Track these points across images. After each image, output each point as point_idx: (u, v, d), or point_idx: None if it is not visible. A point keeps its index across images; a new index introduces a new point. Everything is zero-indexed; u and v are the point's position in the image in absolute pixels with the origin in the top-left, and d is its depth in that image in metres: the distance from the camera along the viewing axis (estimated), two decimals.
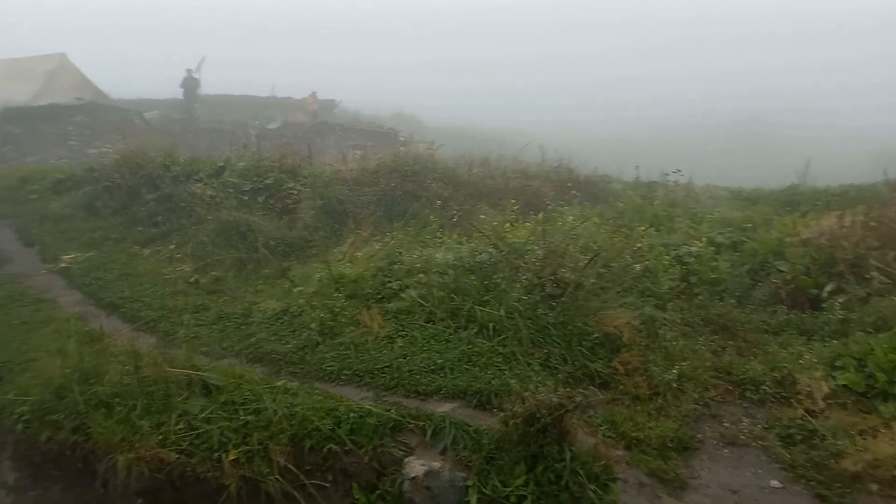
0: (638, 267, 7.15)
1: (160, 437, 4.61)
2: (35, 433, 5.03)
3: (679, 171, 12.55)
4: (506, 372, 5.43)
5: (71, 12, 63.94)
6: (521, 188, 12.35)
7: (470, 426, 4.58)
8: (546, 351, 5.73)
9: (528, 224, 8.53)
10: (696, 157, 23.17)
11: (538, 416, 4.02)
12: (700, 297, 7.17)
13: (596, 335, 5.95)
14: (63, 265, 9.20)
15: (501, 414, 4.39)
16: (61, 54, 24.05)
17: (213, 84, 28.17)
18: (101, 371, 5.20)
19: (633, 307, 6.34)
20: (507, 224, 8.63)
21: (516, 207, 9.82)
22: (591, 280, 6.48)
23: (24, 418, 5.12)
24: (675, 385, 5.44)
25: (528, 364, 5.53)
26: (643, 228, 8.46)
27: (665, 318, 6.45)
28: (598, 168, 15.06)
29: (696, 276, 7.54)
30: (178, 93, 26.17)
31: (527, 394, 4.22)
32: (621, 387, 5.46)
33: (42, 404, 5.09)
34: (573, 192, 12.27)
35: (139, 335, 6.62)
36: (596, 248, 7.17)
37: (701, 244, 8.14)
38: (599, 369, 5.63)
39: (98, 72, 25.47)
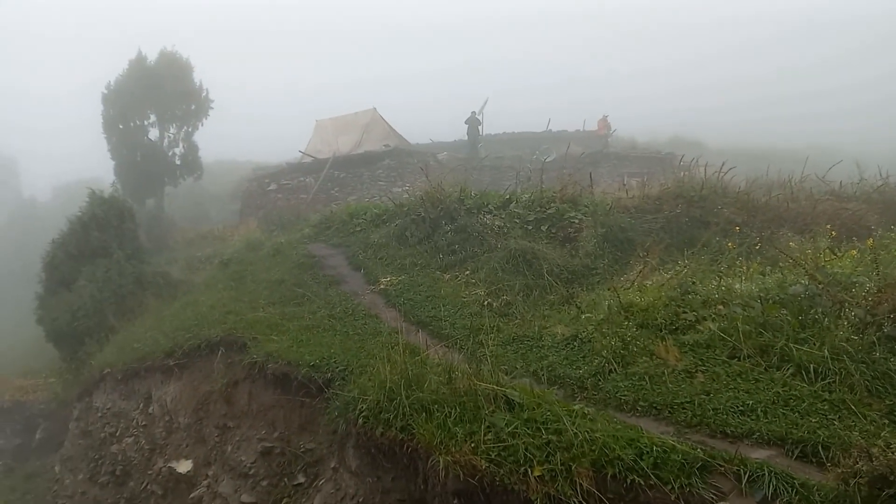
0: None
1: (472, 445, 5.04)
2: (372, 428, 5.91)
3: None
4: (835, 422, 4.76)
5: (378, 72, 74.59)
6: (834, 212, 10.82)
7: (795, 478, 4.10)
8: (889, 402, 4.87)
9: (851, 252, 7.41)
10: None
11: (892, 478, 3.43)
12: None
13: None
14: (382, 286, 10.73)
15: (838, 470, 3.85)
16: (372, 109, 28.27)
17: (493, 123, 30.47)
18: (421, 380, 5.91)
19: None
20: (824, 252, 7.62)
21: (832, 234, 8.61)
22: None
23: (363, 414, 6.06)
24: None
25: (865, 416, 4.76)
26: None
27: None
28: None
29: None
30: (464, 133, 28.79)
31: (874, 450, 3.64)
32: None
33: (377, 403, 5.97)
34: None
35: (447, 351, 7.39)
36: None
37: None
38: None
39: (400, 120, 29.30)
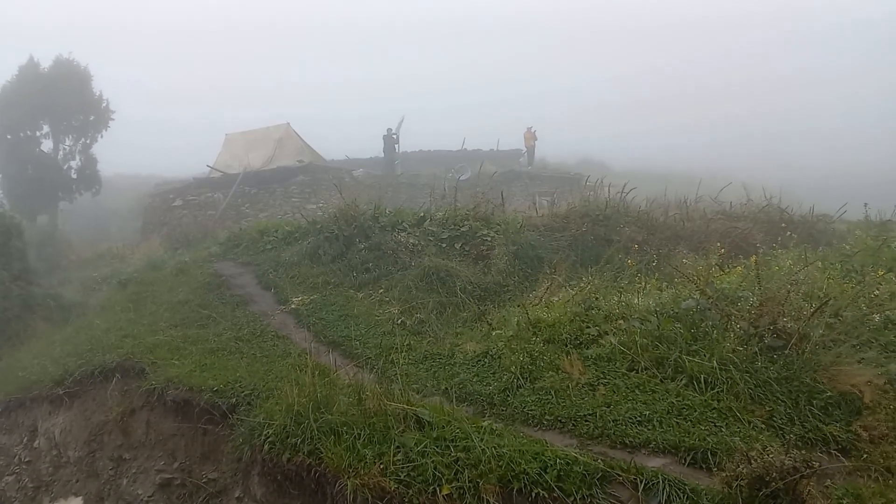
0: (877, 318, 6.29)
1: (381, 466, 4.99)
2: (278, 453, 5.74)
3: None
4: (722, 429, 5.07)
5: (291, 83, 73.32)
6: (725, 230, 11.61)
7: (686, 484, 4.33)
8: (769, 408, 5.24)
9: (738, 269, 7.97)
10: None
11: (768, 479, 3.69)
12: None
13: (829, 394, 5.32)
14: (293, 306, 10.48)
15: (723, 474, 4.10)
16: (286, 124, 27.70)
17: (409, 143, 30.70)
18: (331, 401, 5.81)
19: (875, 363, 5.57)
20: (713, 269, 8.14)
21: (722, 251, 9.22)
22: (820, 331, 5.84)
23: (269, 440, 5.87)
24: None
25: (749, 422, 5.10)
26: (881, 273, 7.45)
27: None
28: (814, 207, 13.66)
29: None
30: (380, 151, 28.80)
31: (752, 454, 3.90)
32: (865, 455, 4.78)
33: (283, 428, 5.80)
34: (788, 233, 11.21)
35: (357, 371, 7.30)
36: (822, 295, 6.47)
37: None
38: (836, 433, 5.00)
39: (314, 135, 28.88)
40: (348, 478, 4.98)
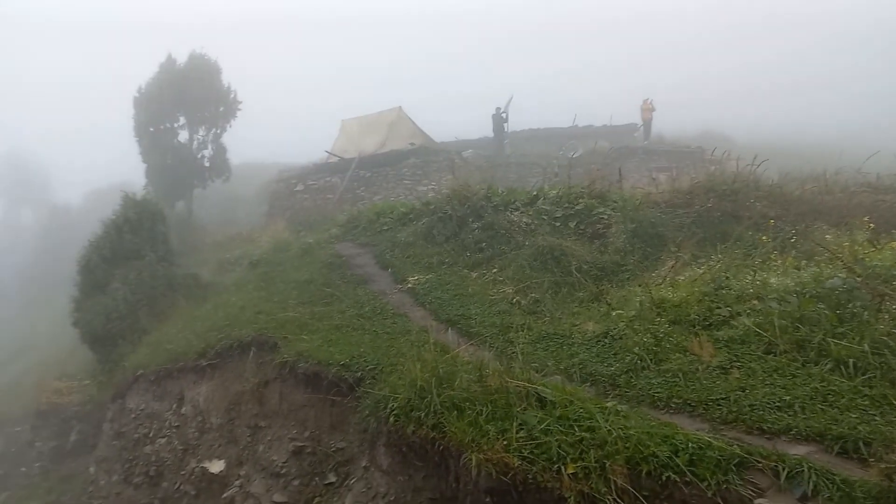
0: None
1: (504, 443, 5.02)
2: (403, 426, 5.93)
3: None
4: (876, 417, 4.64)
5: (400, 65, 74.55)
6: (871, 204, 10.53)
7: (835, 474, 4.01)
8: None
9: (892, 244, 7.20)
10: None
11: None
12: None
13: None
14: (410, 285, 10.75)
15: (881, 465, 3.75)
16: (398, 108, 28.28)
17: (518, 121, 30.28)
18: (452, 378, 5.90)
19: None
20: (862, 245, 7.42)
21: (870, 227, 8.37)
22: None
23: (394, 412, 6.08)
24: None
25: None
26: None
27: None
28: None
29: None
30: (489, 131, 28.70)
31: None
32: None
33: (408, 402, 5.98)
34: None
35: (475, 349, 7.38)
36: None
37: None
38: None
39: (424, 117, 29.27)
40: (472, 452, 5.05)
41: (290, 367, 8.51)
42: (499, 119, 28.02)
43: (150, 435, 11.64)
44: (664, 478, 4.42)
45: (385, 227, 14.36)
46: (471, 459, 5.03)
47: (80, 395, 21.00)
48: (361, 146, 25.42)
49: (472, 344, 7.60)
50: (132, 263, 15.91)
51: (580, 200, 11.86)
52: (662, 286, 8.00)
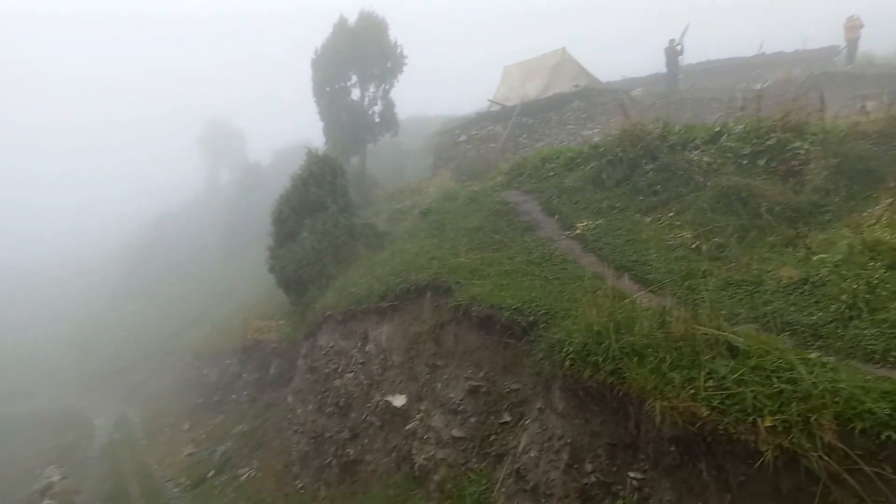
0: None
1: (691, 391, 4.78)
2: (579, 370, 5.89)
3: None
4: None
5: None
6: None
7: None
8: None
9: None
10: None
11: None
12: None
13: None
14: (578, 231, 10.53)
15: None
16: (561, 49, 27.26)
17: (694, 53, 27.76)
18: (631, 323, 5.72)
19: None
20: None
21: None
22: None
23: (569, 356, 6.05)
24: None
25: None
26: None
27: None
28: None
29: None
30: (660, 67, 26.68)
31: None
32: None
33: (583, 346, 5.92)
34: None
35: (650, 296, 7.07)
36: None
37: None
38: None
39: (589, 58, 27.97)
40: (655, 400, 4.89)
41: (463, 311, 8.80)
42: (672, 52, 25.90)
43: (339, 370, 12.80)
44: (883, 437, 3.96)
45: (551, 173, 14.10)
46: (654, 407, 4.87)
47: (277, 333, 23.69)
48: (523, 92, 25.03)
49: (649, 291, 7.30)
50: (317, 214, 17.30)
51: (771, 135, 10.67)
52: (876, 227, 7.01)
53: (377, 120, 28.69)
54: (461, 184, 19.36)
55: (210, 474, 18.95)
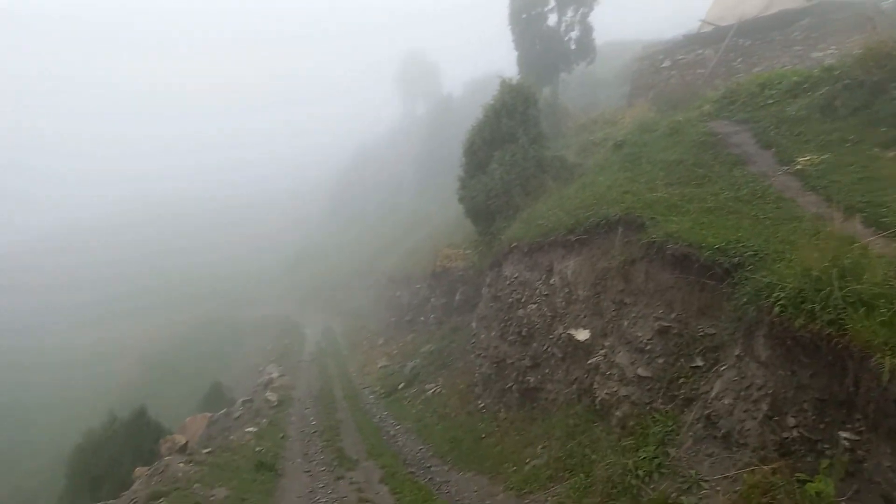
0: None
1: None
2: (790, 318, 5.35)
3: None
4: None
5: None
6: None
7: None
8: None
9: None
10: None
11: None
12: None
13: None
14: (798, 167, 9.32)
15: None
16: None
17: None
18: (860, 270, 5.02)
19: None
20: None
21: None
22: None
23: (779, 303, 5.51)
24: None
25: None
26: None
27: None
28: None
29: None
30: None
31: None
32: None
33: (798, 293, 5.33)
34: None
35: (886, 242, 6.12)
36: None
37: None
38: None
39: None
40: (885, 356, 4.30)
41: (657, 248, 8.37)
42: None
43: (522, 300, 13.03)
44: None
45: (769, 101, 12.52)
46: (882, 363, 4.30)
47: (464, 261, 24.70)
48: (741, 10, 22.26)
49: (884, 236, 6.31)
50: (507, 146, 17.35)
51: None
52: None
53: (573, 47, 27.57)
54: (661, 114, 18.05)
55: (401, 386, 20.78)
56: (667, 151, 11.98)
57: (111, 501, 11.07)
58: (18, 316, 78.70)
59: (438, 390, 17.92)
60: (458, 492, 10.49)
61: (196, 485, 9.91)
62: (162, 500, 9.20)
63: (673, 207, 8.97)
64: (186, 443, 13.60)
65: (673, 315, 8.06)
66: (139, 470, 12.40)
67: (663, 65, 23.55)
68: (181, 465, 10.96)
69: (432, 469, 12.13)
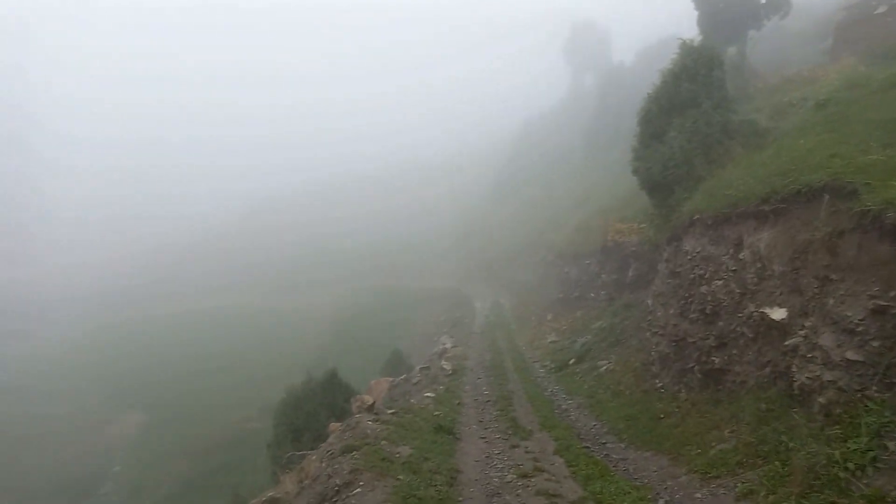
0: None
1: None
2: None
3: None
4: None
5: None
6: None
7: None
8: None
9: None
10: None
11: None
12: None
13: None
14: None
15: None
16: None
17: None
18: None
19: None
20: None
21: None
22: None
23: None
24: None
25: None
26: None
27: None
28: None
29: None
30: None
31: None
32: None
33: None
34: None
35: None
36: None
37: None
38: None
39: None
40: None
41: (873, 217, 7.43)
42: None
43: (706, 276, 12.26)
44: None
45: None
46: None
47: (637, 236, 23.76)
48: None
49: None
50: (688, 112, 16.23)
51: None
52: None
53: (763, 1, 24.91)
54: (874, 67, 15.78)
55: (571, 361, 20.70)
56: (883, 109, 10.47)
57: (312, 451, 12.41)
58: (233, 278, 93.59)
59: (611, 367, 17.58)
60: (637, 470, 10.27)
61: (383, 441, 10.73)
62: (354, 453, 10.10)
63: (892, 172, 7.87)
64: (373, 403, 14.76)
65: (892, 293, 7.12)
66: (333, 425, 13.71)
67: (877, 11, 20.48)
68: (370, 422, 11.91)
69: (608, 445, 11.99)
